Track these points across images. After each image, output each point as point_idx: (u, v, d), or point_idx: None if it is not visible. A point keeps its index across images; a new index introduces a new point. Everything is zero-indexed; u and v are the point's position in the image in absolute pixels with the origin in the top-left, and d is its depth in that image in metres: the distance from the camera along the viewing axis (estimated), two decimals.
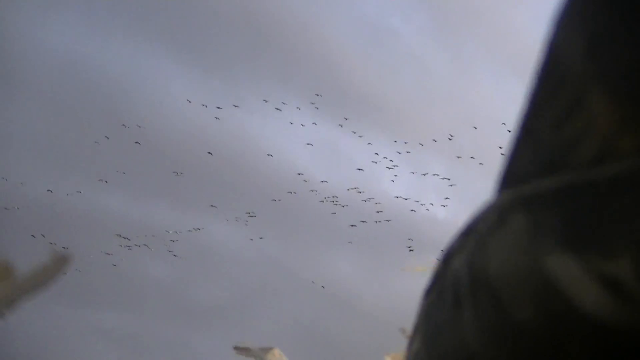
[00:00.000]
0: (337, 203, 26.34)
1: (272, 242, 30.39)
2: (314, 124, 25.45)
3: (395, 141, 24.31)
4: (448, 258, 0.33)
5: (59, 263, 1.99)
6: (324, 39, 30.09)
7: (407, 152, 25.10)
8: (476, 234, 0.30)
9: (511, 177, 0.31)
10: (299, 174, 24.79)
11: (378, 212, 25.81)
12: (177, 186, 26.43)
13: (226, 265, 30.32)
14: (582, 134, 0.26)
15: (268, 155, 25.57)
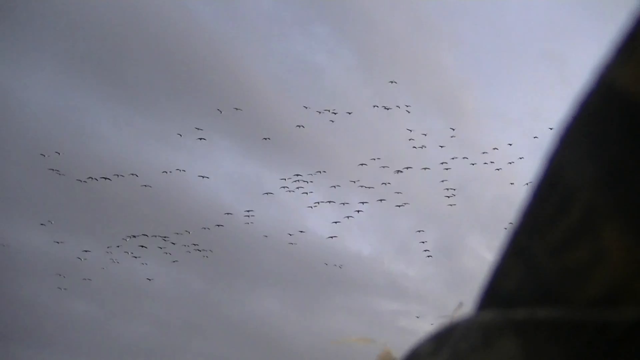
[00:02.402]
0: (265, 235, 26.32)
1: (197, 280, 30.02)
2: (238, 161, 25.57)
3: (315, 172, 24.72)
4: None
5: None
6: (250, 74, 30.31)
7: (333, 187, 25.54)
8: (454, 349, 0.29)
9: (496, 295, 0.29)
10: (226, 214, 24.75)
11: (291, 242, 26.10)
12: (101, 219, 25.79)
13: (150, 302, 29.63)
14: (589, 267, 0.24)
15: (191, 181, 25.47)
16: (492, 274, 0.30)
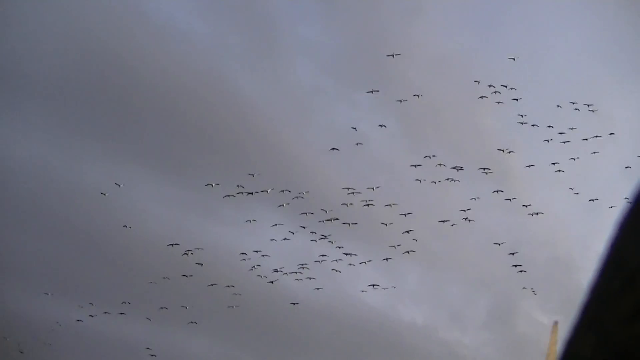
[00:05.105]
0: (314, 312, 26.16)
1: (249, 354, 29.74)
2: (291, 233, 25.80)
3: (369, 247, 24.63)
4: None
5: None
6: (297, 146, 30.84)
7: (384, 260, 25.35)
8: None
9: (571, 359, 0.31)
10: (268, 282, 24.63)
11: (348, 317, 25.66)
12: (155, 299, 26.09)
13: None
14: None
15: (242, 259, 25.72)
16: (567, 342, 0.31)
